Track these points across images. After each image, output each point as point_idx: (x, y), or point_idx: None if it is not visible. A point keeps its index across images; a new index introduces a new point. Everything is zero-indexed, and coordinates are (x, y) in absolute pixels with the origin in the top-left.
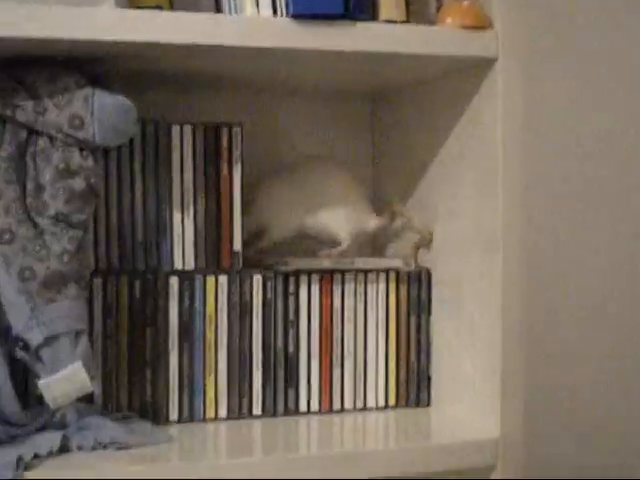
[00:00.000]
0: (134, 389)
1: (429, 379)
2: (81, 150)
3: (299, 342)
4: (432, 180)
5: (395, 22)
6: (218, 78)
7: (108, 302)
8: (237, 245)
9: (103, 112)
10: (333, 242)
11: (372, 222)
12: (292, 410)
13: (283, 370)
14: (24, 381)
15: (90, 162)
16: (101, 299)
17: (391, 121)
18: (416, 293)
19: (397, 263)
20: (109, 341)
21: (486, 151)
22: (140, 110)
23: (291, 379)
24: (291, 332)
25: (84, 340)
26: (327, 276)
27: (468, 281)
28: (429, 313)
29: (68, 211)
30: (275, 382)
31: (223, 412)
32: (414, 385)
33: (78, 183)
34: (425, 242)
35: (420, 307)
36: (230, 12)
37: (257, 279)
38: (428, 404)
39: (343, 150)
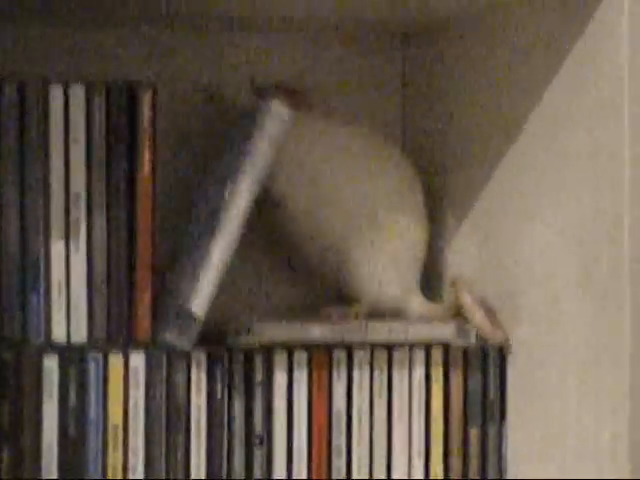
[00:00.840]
0: None
1: None
2: None
3: (272, 474)
4: (502, 171)
5: None
6: (136, 4)
7: None
8: None
9: None
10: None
11: (416, 305)
12: None
13: None
14: None
15: None
16: None
17: (432, 71)
18: (479, 385)
19: (446, 332)
20: None
21: (598, 118)
22: None
23: None
24: (258, 455)
25: None
26: (321, 354)
27: (571, 363)
28: (502, 420)
29: None
30: None
31: None
32: None
33: None
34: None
35: (486, 410)
36: None
37: (198, 360)
38: None
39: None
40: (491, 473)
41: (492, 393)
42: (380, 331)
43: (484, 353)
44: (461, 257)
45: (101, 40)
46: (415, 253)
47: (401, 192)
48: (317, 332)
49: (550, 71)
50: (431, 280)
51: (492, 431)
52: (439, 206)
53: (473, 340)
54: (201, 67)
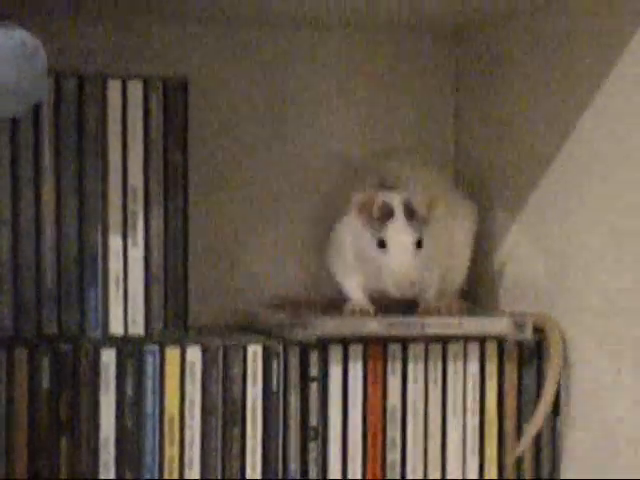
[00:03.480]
0: None
1: None
2: None
3: (327, 467)
4: (556, 168)
5: None
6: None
7: None
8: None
9: None
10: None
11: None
12: None
13: None
14: None
15: None
16: None
17: (485, 68)
18: (534, 380)
19: (502, 326)
20: None
21: None
22: (53, 55)
23: None
24: (313, 449)
25: None
26: (376, 348)
27: (625, 359)
28: (556, 416)
29: None
30: None
31: None
32: None
33: None
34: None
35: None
36: None
37: (254, 352)
38: None
39: (401, 122)
40: (545, 469)
41: None
42: (435, 325)
43: (539, 348)
44: (512, 256)
45: (160, 36)
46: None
47: None
48: (373, 326)
49: (607, 67)
50: (480, 282)
51: (546, 427)
52: (489, 205)
53: (529, 334)
54: (255, 65)
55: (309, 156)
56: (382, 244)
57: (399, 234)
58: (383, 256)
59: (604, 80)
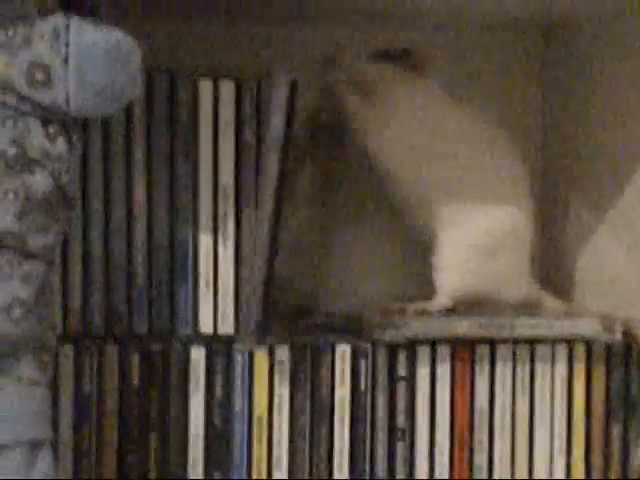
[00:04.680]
0: None
1: None
2: (45, 124)
3: (414, 468)
4: None
5: None
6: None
7: (84, 389)
8: None
9: (85, 58)
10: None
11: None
12: None
13: None
14: None
15: (61, 145)
16: (73, 383)
17: (573, 69)
18: (622, 382)
19: (590, 327)
20: (86, 458)
21: None
22: (146, 53)
23: None
24: (400, 449)
25: (46, 455)
26: (464, 349)
27: None
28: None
29: (21, 230)
30: None
31: None
32: None
33: (39, 181)
34: None
35: (630, 407)
36: None
37: (343, 353)
38: None
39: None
40: (633, 471)
41: (635, 390)
42: (525, 327)
43: (628, 350)
44: (597, 255)
45: (253, 36)
46: (515, 242)
47: (502, 177)
48: (462, 327)
49: None
50: (555, 278)
51: (634, 429)
52: (575, 202)
53: (618, 336)
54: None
55: None
56: None
57: None
58: None
59: None
